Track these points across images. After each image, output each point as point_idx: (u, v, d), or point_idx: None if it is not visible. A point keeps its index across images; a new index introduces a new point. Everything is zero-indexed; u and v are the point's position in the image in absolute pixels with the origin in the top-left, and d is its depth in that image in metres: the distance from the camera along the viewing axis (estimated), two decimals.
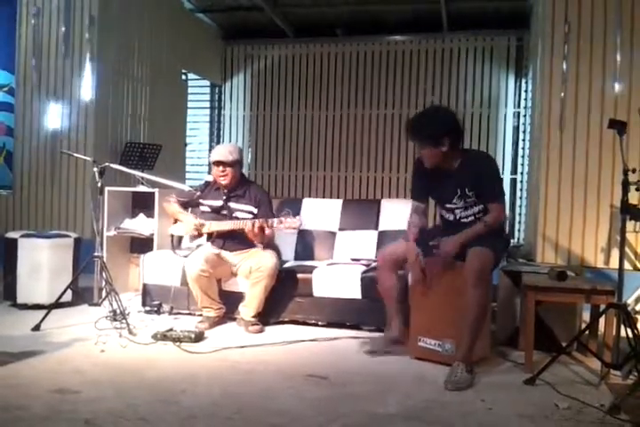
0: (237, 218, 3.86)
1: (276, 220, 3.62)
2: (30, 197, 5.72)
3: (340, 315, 3.81)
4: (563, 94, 4.60)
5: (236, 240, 3.85)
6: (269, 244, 3.89)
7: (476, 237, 3.01)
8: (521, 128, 7.25)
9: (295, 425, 2.34)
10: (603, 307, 2.97)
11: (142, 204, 4.77)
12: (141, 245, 4.66)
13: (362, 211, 4.44)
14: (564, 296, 3.10)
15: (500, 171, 3.55)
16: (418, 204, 3.28)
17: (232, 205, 3.92)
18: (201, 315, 3.86)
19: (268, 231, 3.69)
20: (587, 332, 3.11)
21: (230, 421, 2.36)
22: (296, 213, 4.33)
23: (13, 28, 5.67)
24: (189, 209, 4.01)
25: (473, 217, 3.14)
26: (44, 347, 3.24)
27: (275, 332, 3.73)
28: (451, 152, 3.06)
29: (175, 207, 4.01)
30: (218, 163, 3.84)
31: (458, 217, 3.18)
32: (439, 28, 7.20)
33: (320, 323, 3.85)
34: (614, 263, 3.97)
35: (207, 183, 4.02)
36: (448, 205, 3.18)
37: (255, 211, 3.89)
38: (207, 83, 8.14)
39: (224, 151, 3.85)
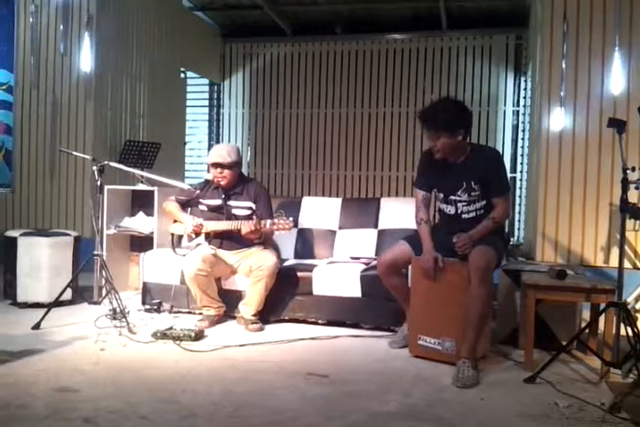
0: (236, 215, 3.86)
1: (269, 221, 3.64)
2: (30, 196, 5.71)
3: (339, 313, 3.81)
4: (562, 93, 4.60)
5: (233, 240, 3.85)
6: (268, 241, 3.88)
7: (486, 233, 3.05)
8: (520, 126, 7.27)
9: (295, 423, 2.34)
10: (603, 305, 2.98)
11: (142, 202, 4.77)
12: (141, 243, 4.65)
13: (361, 209, 4.44)
14: (564, 295, 3.10)
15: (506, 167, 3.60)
16: (424, 193, 3.29)
17: (230, 203, 3.91)
18: (201, 313, 3.86)
19: (265, 230, 3.69)
20: (587, 330, 3.12)
21: (230, 419, 2.36)
22: (295, 211, 4.36)
23: (12, 27, 5.66)
24: (189, 209, 4.00)
25: (474, 213, 3.15)
26: (43, 346, 3.24)
27: (275, 330, 3.73)
28: (460, 144, 3.10)
29: (173, 206, 3.99)
30: (216, 165, 3.82)
31: (459, 211, 3.18)
32: (438, 27, 7.21)
33: (320, 321, 3.85)
34: (614, 262, 3.98)
35: (207, 181, 4.02)
36: (452, 197, 3.18)
37: (253, 206, 3.89)
38: (206, 81, 8.14)
39: (222, 152, 3.82)
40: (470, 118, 3.17)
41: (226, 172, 3.81)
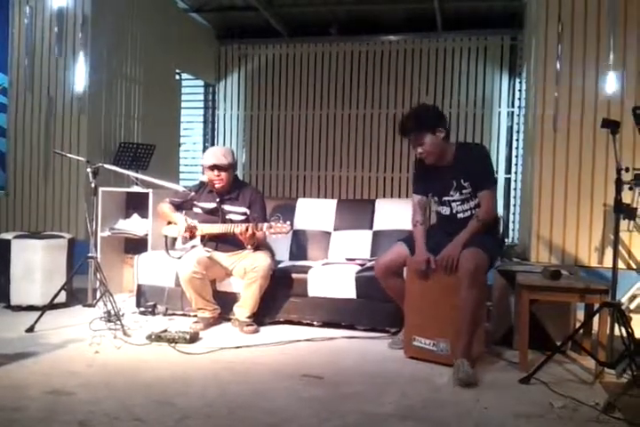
0: (231, 220, 3.86)
1: (265, 224, 3.64)
2: (24, 198, 5.69)
3: (335, 315, 3.81)
4: (556, 94, 4.62)
5: (228, 242, 3.84)
6: (261, 245, 3.88)
7: (473, 235, 3.05)
8: (515, 128, 7.27)
9: (290, 425, 2.33)
10: (597, 306, 2.98)
11: (136, 204, 4.75)
12: (135, 245, 4.64)
13: (356, 211, 4.44)
14: (558, 295, 3.11)
15: (493, 161, 3.63)
16: (420, 197, 3.33)
17: (225, 207, 3.90)
18: (196, 316, 3.85)
19: (258, 234, 3.70)
20: (581, 331, 3.12)
21: (225, 421, 2.36)
22: (290, 213, 4.35)
23: (6, 29, 5.64)
24: (183, 211, 3.99)
25: (469, 212, 3.17)
26: (38, 348, 3.23)
27: (270, 332, 3.73)
28: (446, 144, 3.15)
29: (167, 208, 3.98)
30: (213, 167, 3.80)
31: (454, 211, 3.20)
32: (433, 28, 7.21)
33: (315, 323, 3.85)
34: (608, 262, 3.99)
35: (202, 184, 4.01)
36: (445, 198, 3.22)
37: (248, 211, 3.89)
38: (201, 82, 8.14)
39: (218, 155, 3.81)
40: (444, 116, 3.23)
41: (223, 174, 3.81)
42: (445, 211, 3.24)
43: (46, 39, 5.60)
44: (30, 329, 3.57)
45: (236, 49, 8.07)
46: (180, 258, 3.81)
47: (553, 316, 3.37)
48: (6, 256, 4.13)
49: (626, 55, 4.47)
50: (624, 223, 4.20)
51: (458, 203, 3.19)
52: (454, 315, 2.98)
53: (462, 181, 3.14)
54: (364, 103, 7.66)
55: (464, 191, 3.15)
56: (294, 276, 3.87)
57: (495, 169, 3.32)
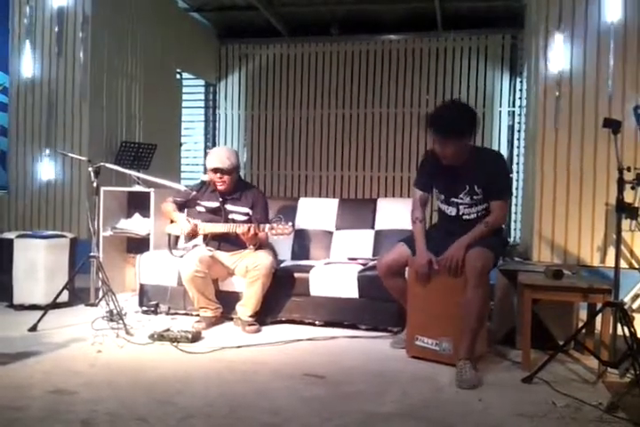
0: (233, 219, 3.86)
1: (267, 225, 3.63)
2: (26, 198, 5.69)
3: (337, 314, 3.81)
4: (557, 94, 4.61)
5: (230, 241, 3.84)
6: (263, 245, 3.88)
7: (478, 238, 3.03)
8: (516, 127, 7.27)
9: (292, 424, 2.33)
10: (599, 305, 2.99)
11: (138, 204, 4.75)
12: (137, 245, 4.64)
13: (358, 210, 4.44)
14: (561, 295, 3.11)
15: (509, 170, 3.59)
16: (422, 193, 3.27)
17: (228, 207, 3.90)
18: (198, 315, 3.85)
19: (260, 235, 3.70)
20: (583, 330, 3.12)
21: (227, 420, 2.36)
22: (292, 213, 4.35)
23: (6, 28, 5.64)
24: (185, 210, 3.99)
25: (476, 215, 3.15)
26: (40, 348, 3.24)
27: (272, 331, 3.73)
28: (465, 148, 3.08)
29: (170, 207, 3.99)
30: (216, 170, 3.80)
31: (460, 213, 3.18)
32: (434, 27, 7.21)
33: (317, 322, 3.85)
34: (610, 262, 3.99)
35: (203, 183, 4.01)
36: (453, 199, 3.17)
37: (250, 212, 3.89)
38: (202, 82, 8.13)
39: (222, 157, 3.79)
40: (477, 121, 3.12)
41: (225, 177, 3.80)
42: (451, 211, 3.21)
43: (46, 38, 5.60)
44: (33, 328, 3.57)
45: (236, 48, 8.08)
46: (182, 257, 3.81)
47: (555, 315, 3.37)
48: (9, 255, 4.14)
49: (627, 54, 4.47)
50: (626, 223, 4.18)
51: (466, 206, 3.15)
52: (457, 314, 2.98)
53: (476, 187, 3.09)
54: (364, 102, 7.65)
55: (475, 197, 3.11)
56: (296, 275, 3.87)
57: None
